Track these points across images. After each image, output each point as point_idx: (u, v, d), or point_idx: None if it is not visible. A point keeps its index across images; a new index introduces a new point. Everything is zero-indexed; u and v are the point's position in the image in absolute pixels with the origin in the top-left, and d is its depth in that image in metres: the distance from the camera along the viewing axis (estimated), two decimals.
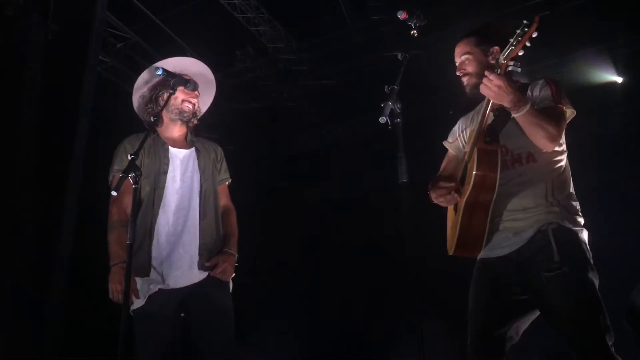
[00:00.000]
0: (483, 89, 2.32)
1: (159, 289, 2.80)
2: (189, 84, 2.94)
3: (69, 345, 4.13)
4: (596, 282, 2.34)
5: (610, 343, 2.23)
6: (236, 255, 2.98)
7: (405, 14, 2.40)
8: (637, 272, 4.29)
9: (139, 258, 2.77)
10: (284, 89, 6.81)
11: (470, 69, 2.64)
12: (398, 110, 2.06)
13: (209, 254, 2.89)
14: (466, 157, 2.57)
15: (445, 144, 2.90)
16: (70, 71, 4.30)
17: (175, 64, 3.03)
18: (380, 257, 5.99)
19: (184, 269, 2.84)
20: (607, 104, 5.77)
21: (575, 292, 2.29)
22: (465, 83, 2.67)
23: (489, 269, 2.52)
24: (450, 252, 2.59)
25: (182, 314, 2.85)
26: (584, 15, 5.26)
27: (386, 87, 2.10)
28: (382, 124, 2.04)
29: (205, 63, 3.17)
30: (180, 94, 2.97)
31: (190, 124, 3.09)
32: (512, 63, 2.28)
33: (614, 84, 5.81)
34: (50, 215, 4.08)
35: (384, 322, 6.01)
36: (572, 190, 2.54)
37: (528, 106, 2.33)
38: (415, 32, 2.41)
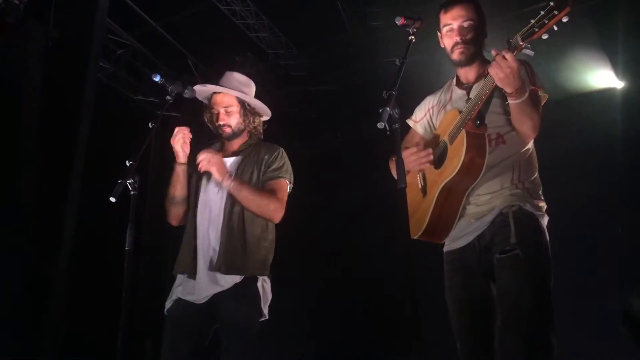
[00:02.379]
0: (493, 68, 2.16)
1: (183, 298, 2.83)
2: (187, 91, 2.90)
3: (69, 345, 4.14)
4: (549, 270, 2.28)
5: (553, 338, 2.14)
6: (225, 172, 2.87)
7: (402, 20, 2.38)
8: None
9: (185, 255, 2.87)
10: (283, 95, 6.83)
11: (472, 36, 2.49)
12: (396, 116, 2.04)
13: (232, 256, 2.80)
14: (445, 138, 2.48)
15: (410, 122, 2.78)
16: (70, 78, 4.31)
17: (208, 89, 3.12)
18: (378, 262, 5.98)
19: (206, 269, 2.81)
20: (607, 110, 5.76)
21: (525, 276, 2.22)
22: (461, 50, 2.49)
23: (458, 263, 2.46)
24: (415, 236, 2.47)
25: (209, 323, 2.84)
26: (583, 20, 5.27)
27: (384, 92, 2.08)
28: (380, 129, 2.03)
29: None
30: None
31: (226, 137, 3.10)
32: (527, 46, 2.12)
33: (614, 89, 5.82)
34: (51, 221, 4.08)
35: (381, 326, 5.99)
36: (537, 174, 2.48)
37: (527, 94, 2.25)
38: (413, 37, 2.38)
